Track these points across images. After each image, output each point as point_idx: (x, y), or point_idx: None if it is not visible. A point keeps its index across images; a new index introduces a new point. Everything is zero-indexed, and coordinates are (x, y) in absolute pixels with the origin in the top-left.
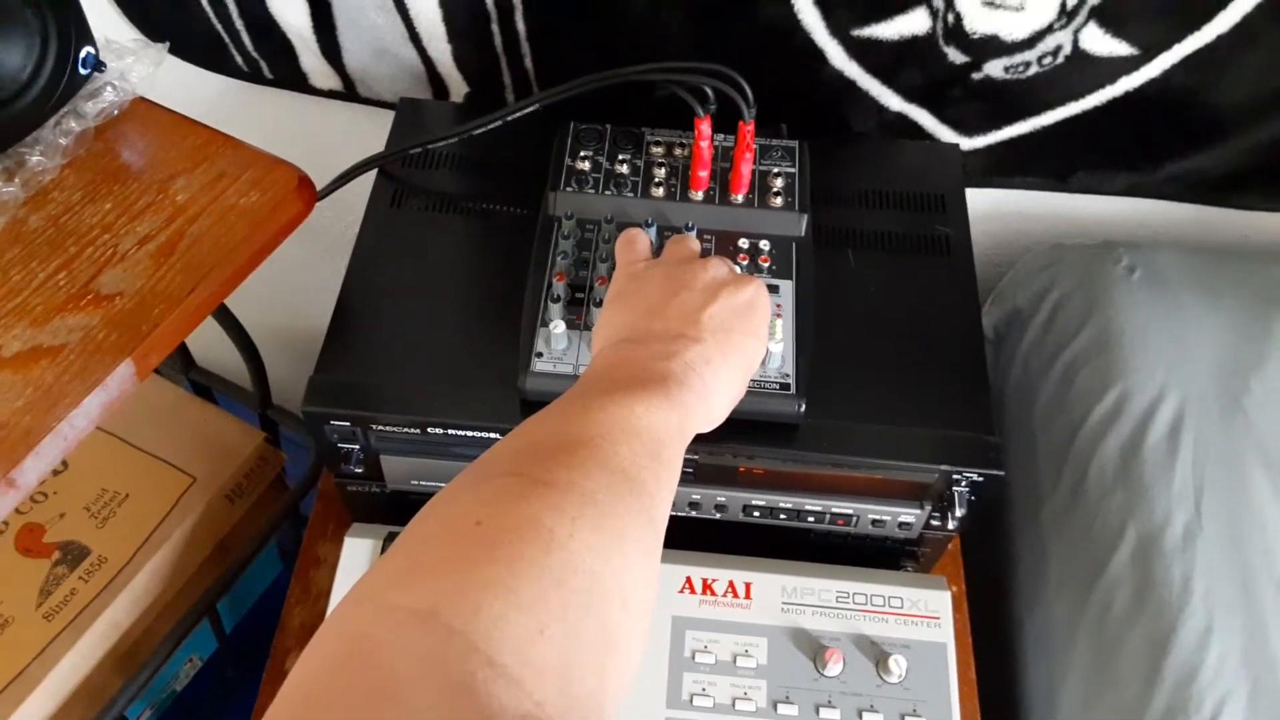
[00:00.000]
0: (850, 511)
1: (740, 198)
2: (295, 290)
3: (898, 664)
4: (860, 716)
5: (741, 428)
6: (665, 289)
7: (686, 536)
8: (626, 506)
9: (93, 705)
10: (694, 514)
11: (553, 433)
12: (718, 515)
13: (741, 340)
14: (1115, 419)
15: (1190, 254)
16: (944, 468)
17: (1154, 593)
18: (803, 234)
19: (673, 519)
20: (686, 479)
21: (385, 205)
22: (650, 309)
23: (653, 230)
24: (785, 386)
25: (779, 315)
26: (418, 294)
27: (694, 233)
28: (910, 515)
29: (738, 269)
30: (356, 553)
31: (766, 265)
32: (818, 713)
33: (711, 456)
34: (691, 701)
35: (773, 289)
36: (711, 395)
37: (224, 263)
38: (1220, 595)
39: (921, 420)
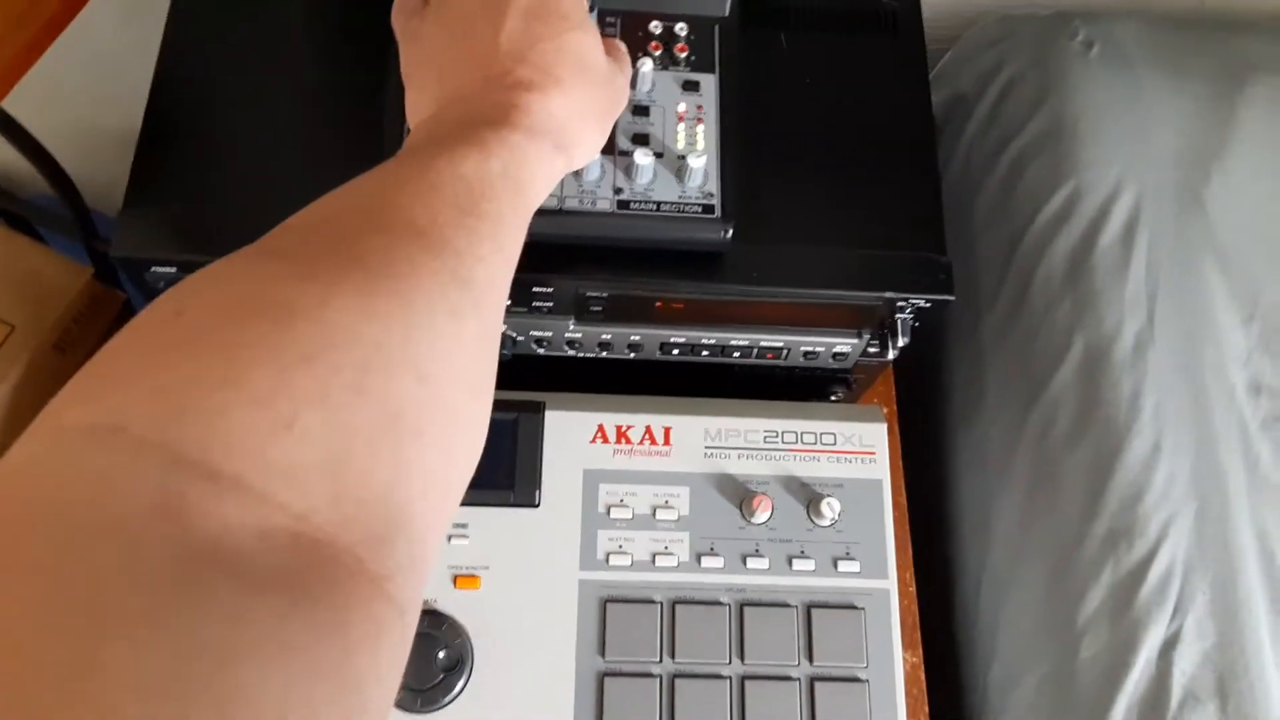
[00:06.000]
0: (781, 345)
1: None
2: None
3: (830, 506)
4: (790, 564)
5: (658, 257)
6: (443, 43)
7: (596, 380)
8: (415, 265)
9: None
10: (604, 354)
11: (316, 210)
12: (631, 355)
13: (558, 34)
14: (1066, 219)
15: (1151, 26)
16: (889, 295)
17: (1100, 409)
18: (727, 13)
19: (580, 361)
20: (594, 317)
21: None
22: (440, 74)
23: None
24: (709, 209)
25: (700, 121)
26: (251, 91)
27: (595, 13)
28: (846, 345)
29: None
30: None
31: (684, 55)
32: (744, 563)
33: (623, 289)
34: (608, 560)
35: (692, 86)
36: (551, 125)
37: None
38: (1170, 411)
39: (863, 239)
